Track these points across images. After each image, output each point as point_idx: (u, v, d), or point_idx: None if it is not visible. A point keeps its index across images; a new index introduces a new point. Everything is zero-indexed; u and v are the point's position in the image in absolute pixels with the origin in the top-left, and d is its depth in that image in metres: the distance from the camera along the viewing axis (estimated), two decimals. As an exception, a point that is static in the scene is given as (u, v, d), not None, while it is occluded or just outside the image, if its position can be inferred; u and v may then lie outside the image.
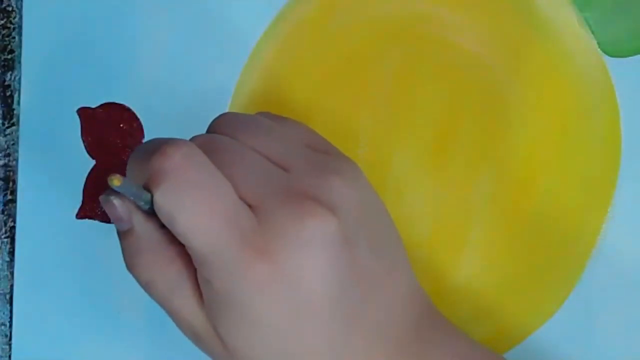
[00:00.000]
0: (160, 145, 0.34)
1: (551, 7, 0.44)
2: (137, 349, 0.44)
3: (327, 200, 0.34)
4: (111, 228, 0.44)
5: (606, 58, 0.44)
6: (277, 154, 0.36)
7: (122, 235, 0.36)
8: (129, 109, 0.45)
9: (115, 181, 0.32)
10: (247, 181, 0.34)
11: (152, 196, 0.33)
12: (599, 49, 0.44)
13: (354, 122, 0.44)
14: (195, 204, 0.33)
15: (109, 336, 0.44)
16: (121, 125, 0.45)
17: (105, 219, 0.45)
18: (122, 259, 0.44)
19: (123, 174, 0.45)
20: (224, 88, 0.45)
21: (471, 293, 0.44)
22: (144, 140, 0.45)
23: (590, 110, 0.44)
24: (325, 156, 0.37)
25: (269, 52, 0.45)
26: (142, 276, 0.35)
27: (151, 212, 0.34)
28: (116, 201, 0.34)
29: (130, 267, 0.36)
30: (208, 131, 0.38)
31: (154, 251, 0.35)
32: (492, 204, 0.44)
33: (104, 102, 0.45)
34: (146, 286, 0.36)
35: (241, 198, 0.34)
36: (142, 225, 0.35)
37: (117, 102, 0.45)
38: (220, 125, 0.37)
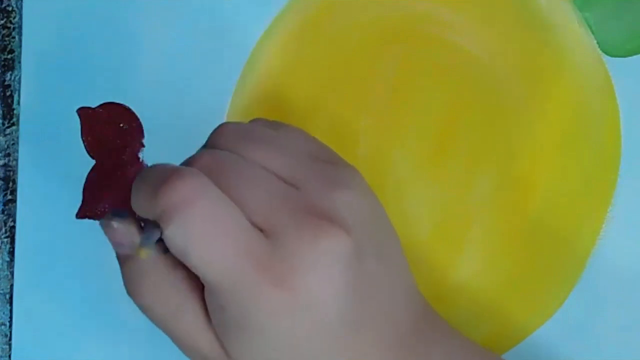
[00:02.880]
0: (167, 177, 0.33)
1: (551, 6, 0.44)
2: (137, 349, 0.44)
3: (340, 218, 0.34)
4: (111, 228, 0.44)
5: (606, 58, 0.44)
6: (283, 169, 0.35)
7: (123, 259, 0.35)
8: (129, 109, 0.45)
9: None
10: (258, 204, 0.34)
11: (161, 230, 0.33)
12: (599, 49, 0.44)
13: (354, 122, 0.44)
14: (208, 237, 0.33)
15: (109, 336, 0.44)
16: (121, 125, 0.45)
17: (105, 219, 0.45)
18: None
19: (123, 173, 0.45)
20: (224, 87, 0.45)
21: (471, 293, 0.44)
22: (144, 140, 0.45)
23: (590, 110, 0.44)
24: (331, 168, 0.36)
25: (269, 51, 0.45)
26: (146, 301, 0.35)
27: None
28: (119, 226, 0.34)
29: (131, 291, 0.35)
30: (208, 144, 0.37)
31: (157, 275, 0.35)
32: (492, 204, 0.44)
33: (104, 102, 0.45)
34: (148, 310, 0.35)
35: (253, 223, 0.34)
36: None
37: (117, 102, 0.45)
38: (220, 138, 0.37)
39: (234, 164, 0.35)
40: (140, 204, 0.34)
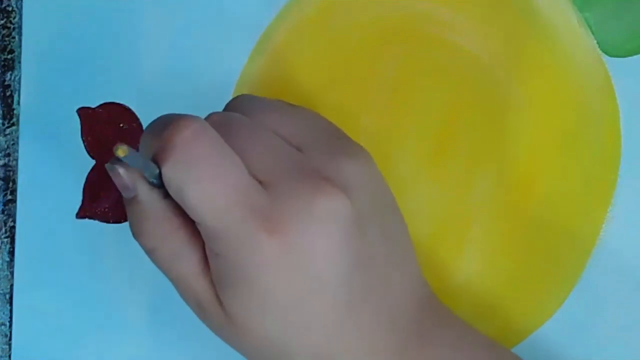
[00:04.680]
0: (172, 119, 0.34)
1: (551, 7, 0.44)
2: (138, 349, 0.44)
3: (340, 181, 0.34)
4: (111, 228, 0.44)
5: (606, 58, 0.44)
6: (290, 133, 0.36)
7: (127, 203, 0.36)
8: (129, 109, 0.45)
9: (120, 151, 0.31)
10: (260, 158, 0.35)
11: (160, 170, 0.33)
12: (599, 49, 0.44)
13: (354, 122, 0.44)
14: (205, 178, 0.33)
15: (109, 336, 0.44)
16: (121, 125, 0.45)
17: (105, 219, 0.45)
18: (121, 259, 0.44)
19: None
20: (223, 89, 0.45)
21: (471, 293, 0.44)
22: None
23: (590, 110, 0.44)
24: (338, 140, 0.37)
25: (269, 52, 0.45)
26: (147, 243, 0.35)
27: (157, 185, 0.34)
28: (121, 170, 0.34)
29: (135, 234, 0.36)
30: (225, 110, 0.38)
31: (157, 218, 0.35)
32: (492, 204, 0.44)
33: (104, 102, 0.45)
34: (151, 253, 0.36)
35: (252, 175, 0.34)
36: (146, 194, 0.35)
37: (117, 102, 0.45)
38: (236, 105, 0.37)
39: (241, 122, 0.36)
40: (146, 144, 0.35)
